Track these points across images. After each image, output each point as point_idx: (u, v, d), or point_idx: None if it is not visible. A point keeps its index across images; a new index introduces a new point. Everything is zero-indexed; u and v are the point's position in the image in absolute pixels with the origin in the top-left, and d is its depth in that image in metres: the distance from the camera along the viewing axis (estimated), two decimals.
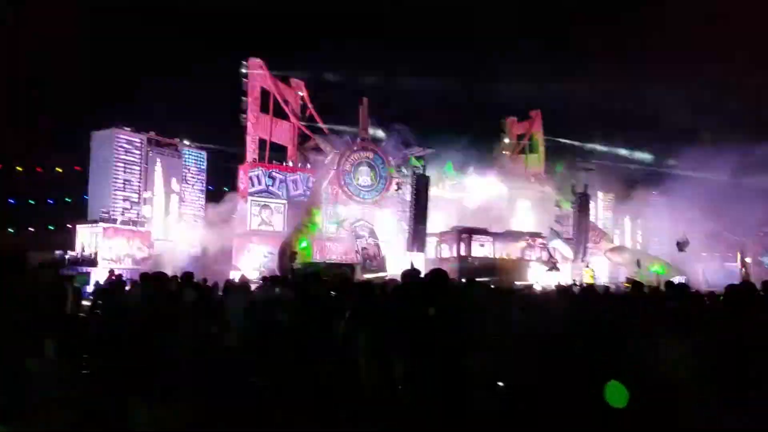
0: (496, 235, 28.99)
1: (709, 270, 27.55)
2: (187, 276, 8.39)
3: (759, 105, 30.30)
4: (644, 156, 35.74)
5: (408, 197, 28.30)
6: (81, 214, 27.66)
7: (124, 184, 27.81)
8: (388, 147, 30.96)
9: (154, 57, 38.04)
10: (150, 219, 28.10)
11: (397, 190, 29.62)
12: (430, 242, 28.60)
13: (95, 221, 26.03)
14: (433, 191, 28.65)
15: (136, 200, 28.12)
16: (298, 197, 30.08)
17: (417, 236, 27.19)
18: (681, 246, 22.05)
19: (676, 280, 18.04)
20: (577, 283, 20.07)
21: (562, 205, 32.75)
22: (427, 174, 28.18)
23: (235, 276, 17.90)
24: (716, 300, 9.63)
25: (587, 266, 29.31)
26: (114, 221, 26.03)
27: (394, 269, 25.61)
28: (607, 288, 15.14)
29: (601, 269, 31.73)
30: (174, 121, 31.15)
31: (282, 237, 27.34)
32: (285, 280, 10.48)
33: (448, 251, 28.77)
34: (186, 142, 30.99)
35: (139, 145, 28.59)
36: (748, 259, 27.58)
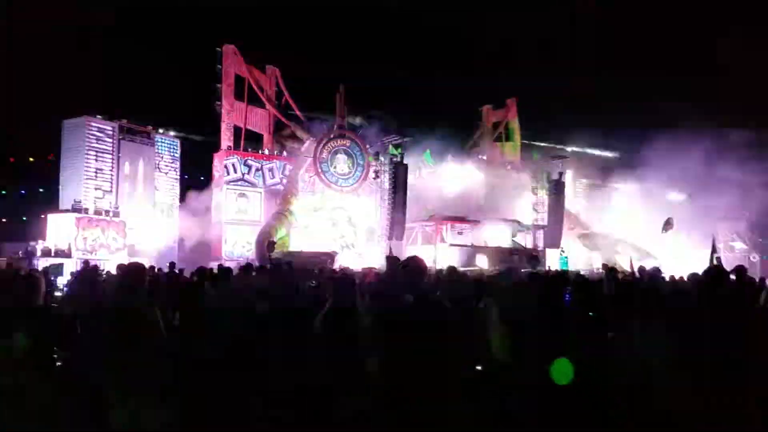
0: (474, 223, 29.17)
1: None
2: (202, 271, 8.21)
3: (731, 91, 30.83)
4: (618, 143, 36.27)
5: (386, 185, 28.30)
6: (55, 204, 27.15)
7: (96, 172, 27.30)
8: (366, 134, 30.87)
9: (126, 44, 37.28)
10: (123, 208, 27.65)
11: (375, 178, 29.58)
12: (409, 230, 28.68)
13: (68, 211, 25.56)
14: (412, 179, 28.69)
15: (109, 189, 27.66)
16: (275, 185, 29.87)
17: (395, 224, 27.24)
18: (666, 227, 22.23)
19: (649, 265, 18.37)
20: (551, 270, 20.30)
21: (538, 192, 33.06)
22: (405, 162, 28.20)
23: (213, 266, 17.74)
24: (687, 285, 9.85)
25: (561, 252, 29.67)
26: (86, 211, 25.58)
27: (372, 258, 25.68)
28: (578, 273, 15.33)
29: (577, 256, 32.11)
30: (147, 109, 30.66)
31: (259, 226, 27.16)
32: (263, 270, 10.40)
33: (427, 239, 28.89)
34: (159, 130, 30.50)
35: (111, 133, 28.06)
36: (720, 245, 28.11)
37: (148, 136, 29.98)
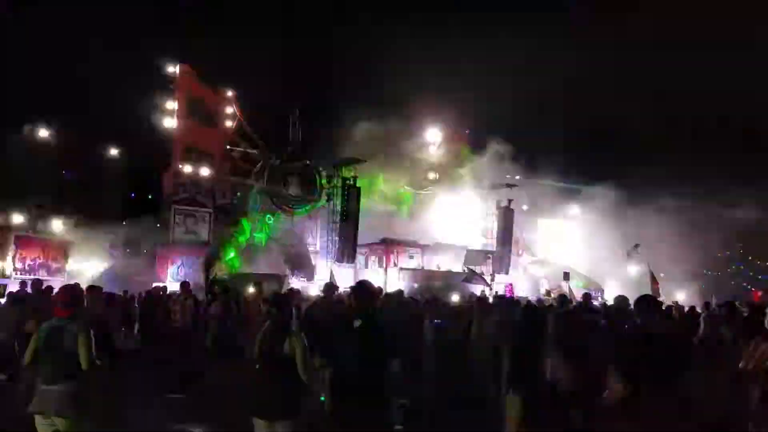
0: (425, 248, 29.39)
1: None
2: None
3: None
4: (568, 172, 37.36)
5: (338, 208, 28.28)
6: None
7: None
8: (320, 157, 30.84)
9: (76, 58, 36.38)
10: (65, 227, 26.67)
11: (327, 201, 29.50)
12: (360, 254, 28.68)
13: (7, 228, 24.44)
14: (364, 202, 28.75)
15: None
16: (226, 206, 29.44)
17: (346, 247, 27.19)
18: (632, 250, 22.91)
19: (593, 292, 18.95)
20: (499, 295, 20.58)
21: (488, 218, 33.61)
22: (357, 185, 28.28)
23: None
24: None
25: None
26: (27, 229, 24.55)
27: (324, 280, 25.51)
28: (528, 300, 15.63)
29: (523, 282, 32.69)
30: (96, 125, 29.94)
31: (208, 247, 26.67)
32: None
33: (377, 263, 28.93)
34: (106, 146, 29.78)
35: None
36: (662, 274, 29.02)
37: (93, 151, 29.22)
